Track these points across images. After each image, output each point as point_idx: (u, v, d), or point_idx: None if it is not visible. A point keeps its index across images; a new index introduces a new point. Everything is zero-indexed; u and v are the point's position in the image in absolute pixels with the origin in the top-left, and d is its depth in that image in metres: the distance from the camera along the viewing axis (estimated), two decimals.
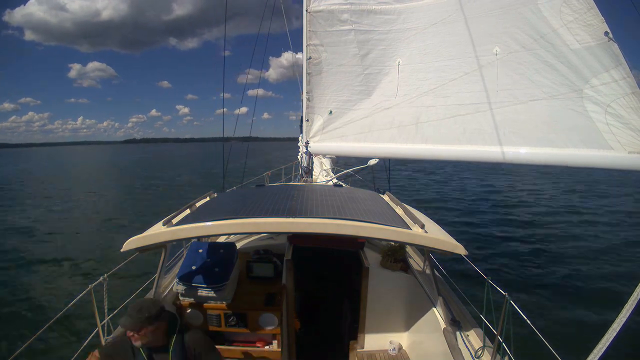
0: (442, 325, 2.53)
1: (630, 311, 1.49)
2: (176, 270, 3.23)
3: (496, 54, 3.38)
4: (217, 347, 2.79)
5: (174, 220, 2.41)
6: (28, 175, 36.78)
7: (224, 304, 2.76)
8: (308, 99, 4.73)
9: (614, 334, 1.46)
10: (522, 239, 10.14)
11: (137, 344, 1.95)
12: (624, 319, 1.47)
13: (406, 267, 3.29)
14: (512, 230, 11.09)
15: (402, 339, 3.15)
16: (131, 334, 1.93)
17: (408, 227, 2.30)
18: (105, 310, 2.50)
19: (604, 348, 1.46)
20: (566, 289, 6.83)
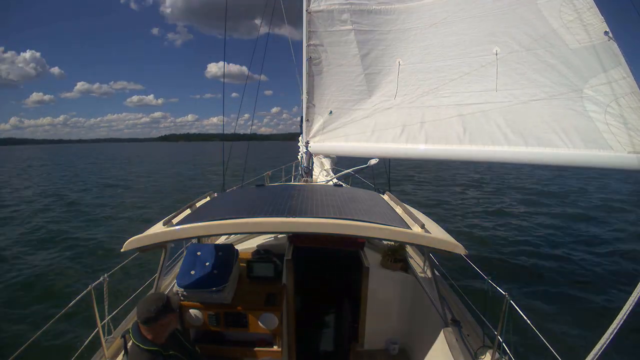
0: (442, 325, 2.53)
1: (628, 311, 1.50)
2: (176, 270, 3.23)
3: (496, 54, 3.38)
4: (217, 347, 2.79)
5: (174, 220, 2.42)
6: None
7: (224, 304, 2.76)
8: (308, 99, 4.74)
9: (613, 333, 1.47)
10: (522, 240, 10.13)
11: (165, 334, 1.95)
12: (623, 319, 1.48)
13: (406, 267, 3.29)
14: (513, 231, 11.08)
15: (402, 338, 3.15)
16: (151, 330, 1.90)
17: (408, 227, 2.30)
18: (106, 310, 2.50)
19: (603, 347, 1.46)
20: (566, 289, 6.83)
